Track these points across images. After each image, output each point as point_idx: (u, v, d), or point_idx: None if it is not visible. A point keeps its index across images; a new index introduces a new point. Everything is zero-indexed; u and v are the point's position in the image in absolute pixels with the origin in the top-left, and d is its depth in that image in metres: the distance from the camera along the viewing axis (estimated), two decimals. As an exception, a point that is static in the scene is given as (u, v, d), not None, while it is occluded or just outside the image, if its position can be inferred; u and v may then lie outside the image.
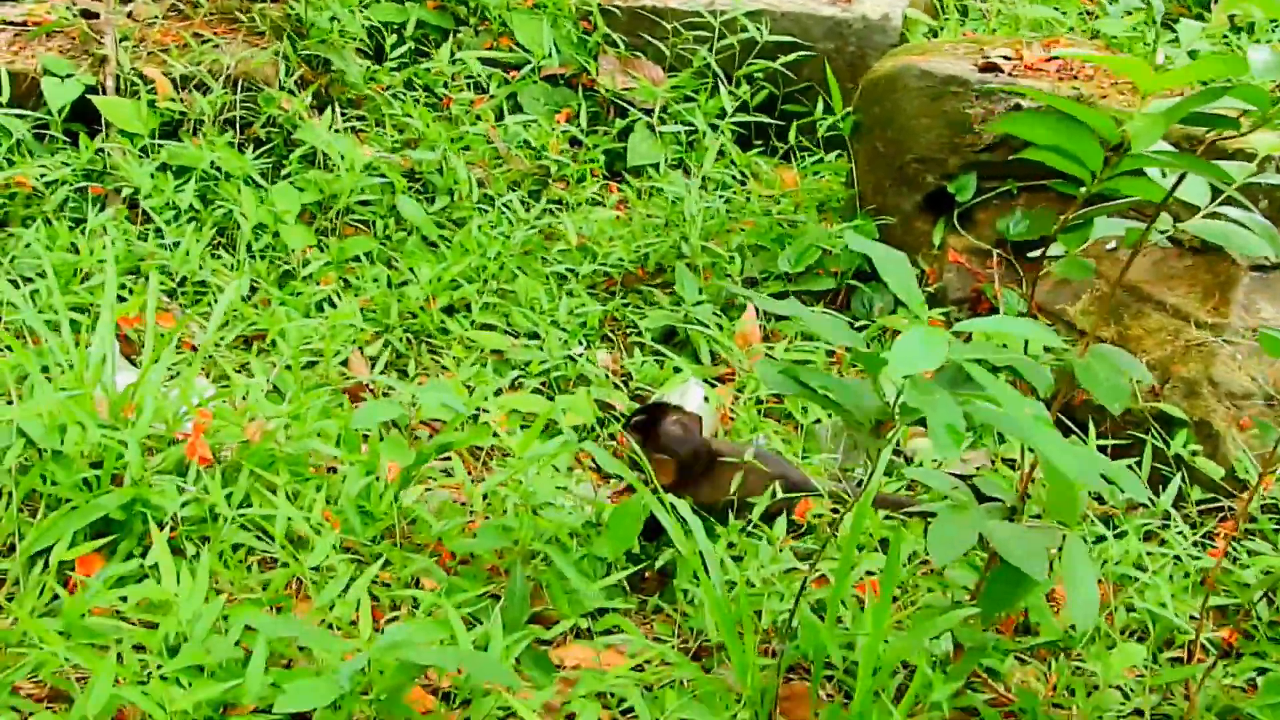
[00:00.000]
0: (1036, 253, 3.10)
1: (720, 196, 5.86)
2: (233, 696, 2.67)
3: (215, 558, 3.19)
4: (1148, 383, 4.03)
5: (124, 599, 3.00)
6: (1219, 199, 2.93)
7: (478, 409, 4.34)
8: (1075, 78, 5.08)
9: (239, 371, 4.42)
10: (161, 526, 3.23)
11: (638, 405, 4.42)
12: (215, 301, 4.80)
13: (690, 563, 3.07)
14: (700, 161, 6.16)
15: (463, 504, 3.79)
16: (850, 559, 2.96)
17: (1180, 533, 3.89)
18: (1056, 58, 5.17)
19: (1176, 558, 3.76)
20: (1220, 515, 4.08)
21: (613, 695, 3.08)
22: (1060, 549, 2.78)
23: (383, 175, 5.60)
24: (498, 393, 4.53)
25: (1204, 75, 2.63)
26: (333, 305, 4.91)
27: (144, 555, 3.26)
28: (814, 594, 3.44)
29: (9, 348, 3.80)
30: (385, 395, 4.47)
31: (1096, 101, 4.81)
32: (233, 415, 3.77)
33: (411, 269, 5.18)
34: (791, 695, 3.06)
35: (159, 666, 2.78)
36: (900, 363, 2.33)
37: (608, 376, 4.75)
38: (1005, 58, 5.21)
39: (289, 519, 3.31)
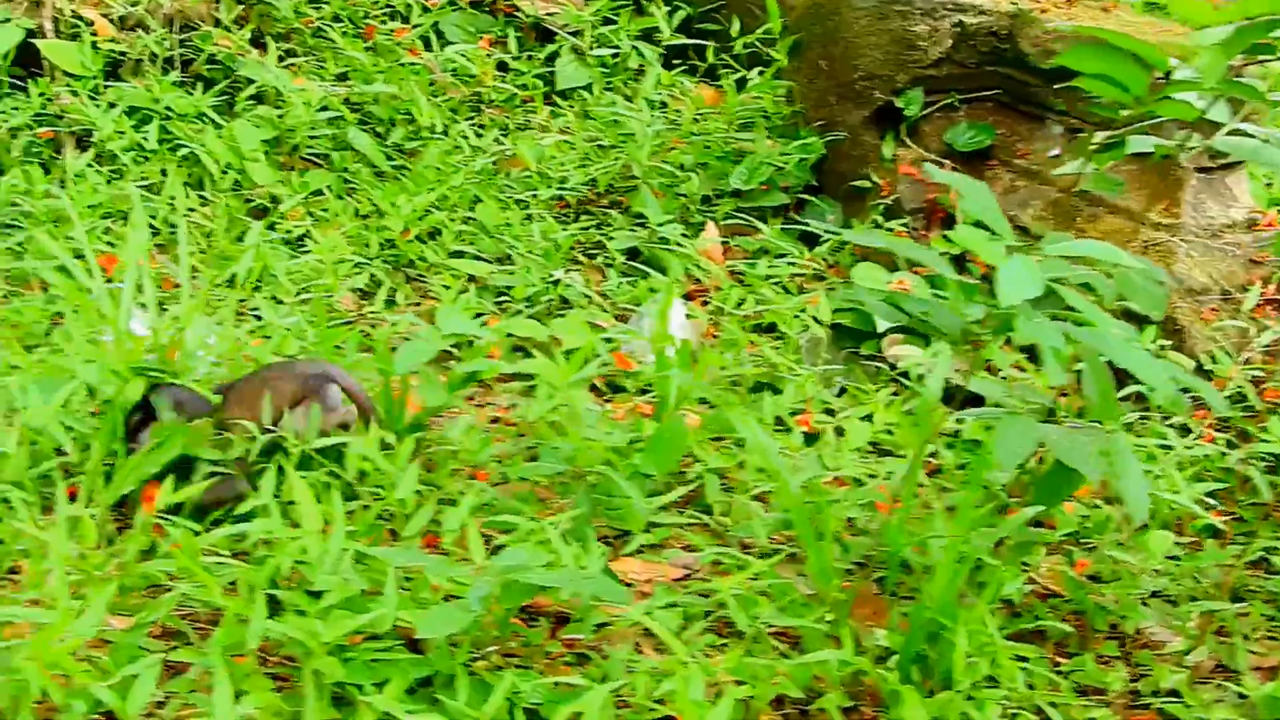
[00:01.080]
0: (1062, 170, 3.30)
1: (659, 116, 6.00)
2: (370, 627, 2.81)
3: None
4: (1172, 287, 4.27)
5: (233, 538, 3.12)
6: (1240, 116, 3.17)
7: (473, 338, 4.47)
8: (1013, -7, 5.32)
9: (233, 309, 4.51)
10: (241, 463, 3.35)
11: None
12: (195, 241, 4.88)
13: (765, 463, 3.23)
14: (627, 82, 6.32)
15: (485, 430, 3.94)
16: (919, 467, 3.18)
17: (1174, 425, 4.17)
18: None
19: (1166, 447, 4.02)
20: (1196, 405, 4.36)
21: (681, 607, 3.24)
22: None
23: (327, 109, 5.66)
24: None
25: (1252, 11, 2.85)
26: (313, 241, 4.99)
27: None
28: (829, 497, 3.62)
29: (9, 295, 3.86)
30: (373, 327, 4.59)
31: (1038, 15, 5.09)
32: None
33: (374, 201, 5.28)
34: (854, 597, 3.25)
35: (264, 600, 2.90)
36: (1008, 293, 2.54)
37: (589, 298, 4.90)
38: (943, -26, 5.42)
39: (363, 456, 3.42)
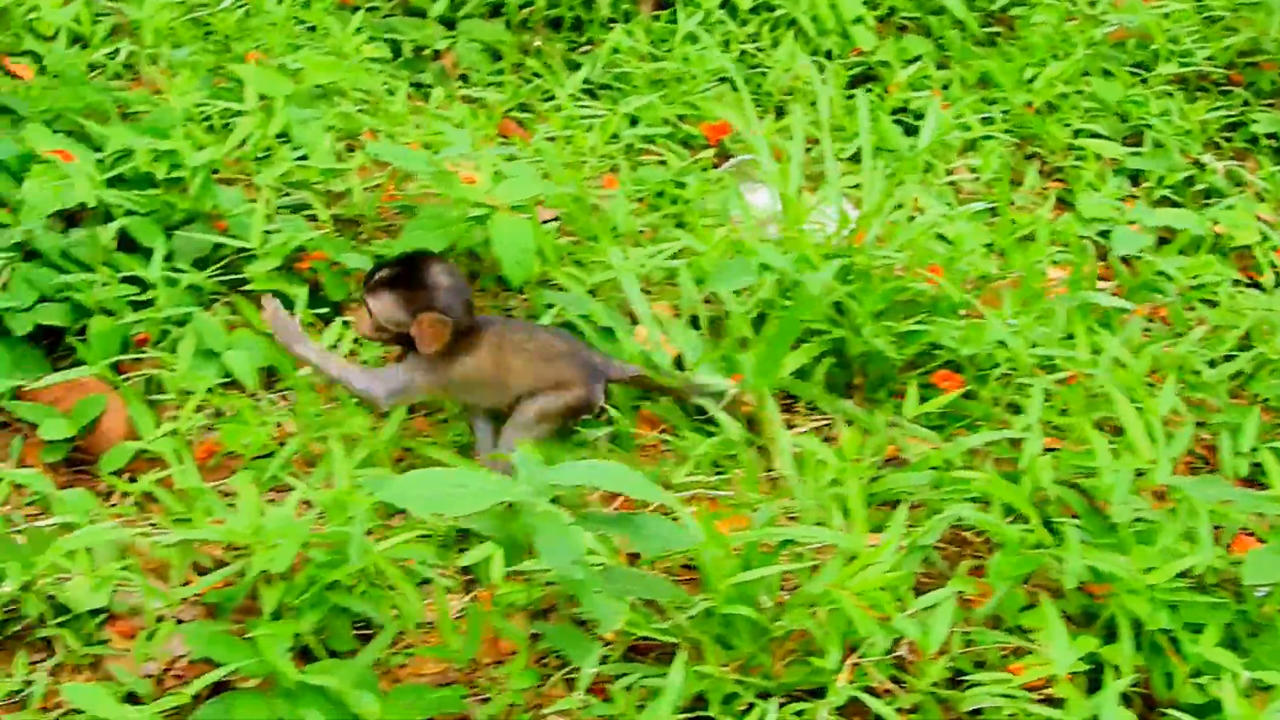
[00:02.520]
0: None
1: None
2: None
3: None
4: None
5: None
6: None
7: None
8: None
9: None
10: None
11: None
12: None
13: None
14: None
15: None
16: None
17: None
18: None
19: None
20: None
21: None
22: None
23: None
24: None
25: None
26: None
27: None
28: None
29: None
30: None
31: None
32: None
33: (982, 72, 4.86)
34: None
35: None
36: None
37: (1242, 188, 4.41)
38: None
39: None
